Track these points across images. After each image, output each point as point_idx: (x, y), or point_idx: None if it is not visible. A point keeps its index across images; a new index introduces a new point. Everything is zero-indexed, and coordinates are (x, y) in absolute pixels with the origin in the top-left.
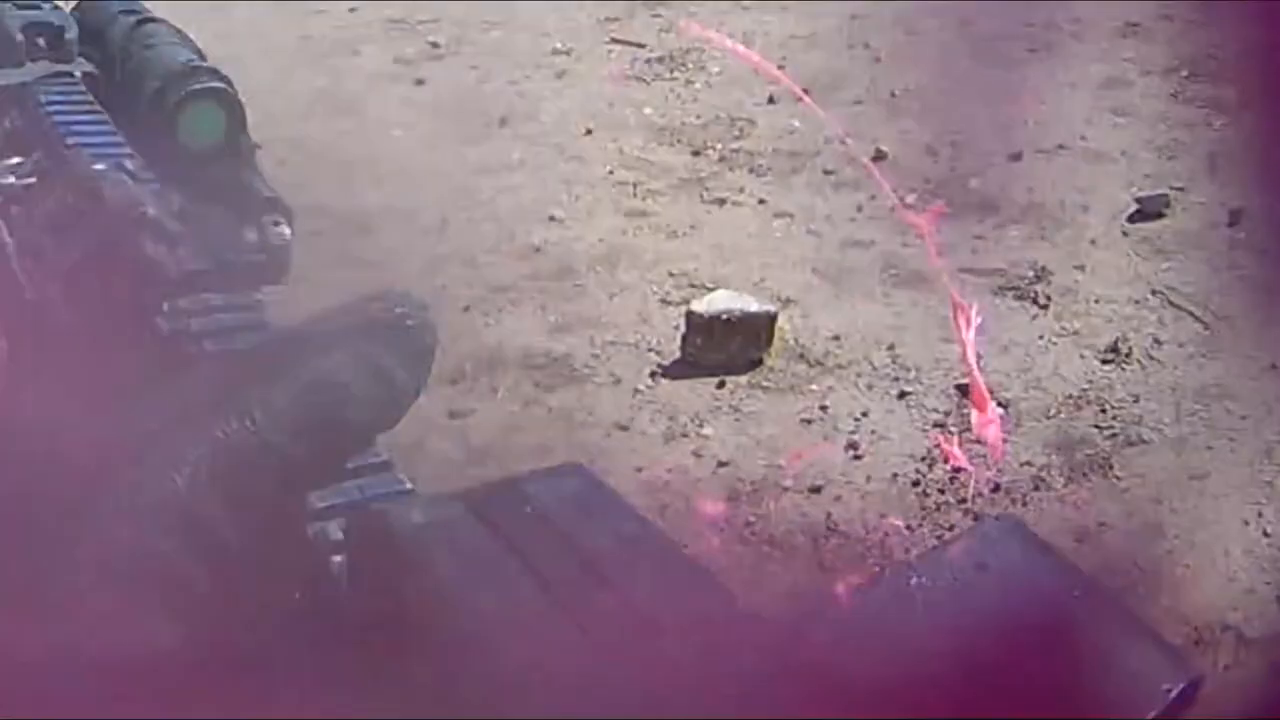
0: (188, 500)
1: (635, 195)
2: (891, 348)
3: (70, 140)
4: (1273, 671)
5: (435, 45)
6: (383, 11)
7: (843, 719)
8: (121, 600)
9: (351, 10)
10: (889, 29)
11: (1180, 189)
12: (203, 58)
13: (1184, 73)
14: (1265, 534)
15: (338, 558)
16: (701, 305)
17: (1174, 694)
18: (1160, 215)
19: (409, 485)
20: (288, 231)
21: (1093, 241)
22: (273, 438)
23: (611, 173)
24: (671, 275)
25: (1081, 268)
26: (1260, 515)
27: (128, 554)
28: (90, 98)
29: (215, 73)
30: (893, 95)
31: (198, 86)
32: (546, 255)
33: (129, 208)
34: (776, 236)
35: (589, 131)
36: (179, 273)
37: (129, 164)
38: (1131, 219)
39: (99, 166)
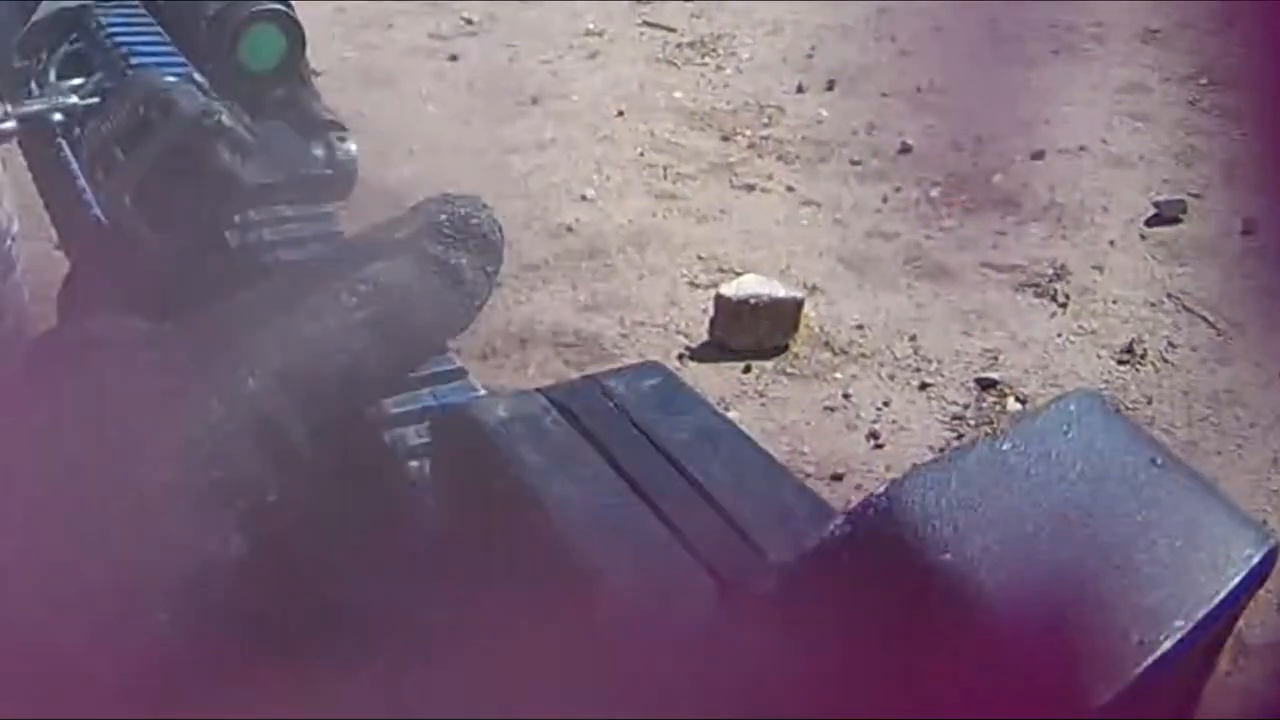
0: (259, 400)
1: (665, 178)
2: (914, 339)
3: (133, 60)
4: (1274, 678)
5: (469, 21)
6: None
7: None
8: (193, 507)
9: None
10: (916, 23)
11: (1197, 195)
12: None
13: (1202, 80)
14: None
15: (415, 463)
16: (730, 289)
17: (1255, 559)
18: (1177, 220)
19: (483, 392)
20: (354, 148)
21: (1111, 243)
22: (343, 339)
23: (642, 154)
24: (700, 259)
25: (1100, 268)
26: (1264, 523)
27: (200, 458)
28: (150, 19)
29: None
30: (918, 90)
31: (258, 9)
32: (577, 234)
33: (203, 116)
34: (803, 224)
35: (620, 113)
36: (253, 183)
37: (198, 77)
38: (1149, 223)
39: (170, 79)
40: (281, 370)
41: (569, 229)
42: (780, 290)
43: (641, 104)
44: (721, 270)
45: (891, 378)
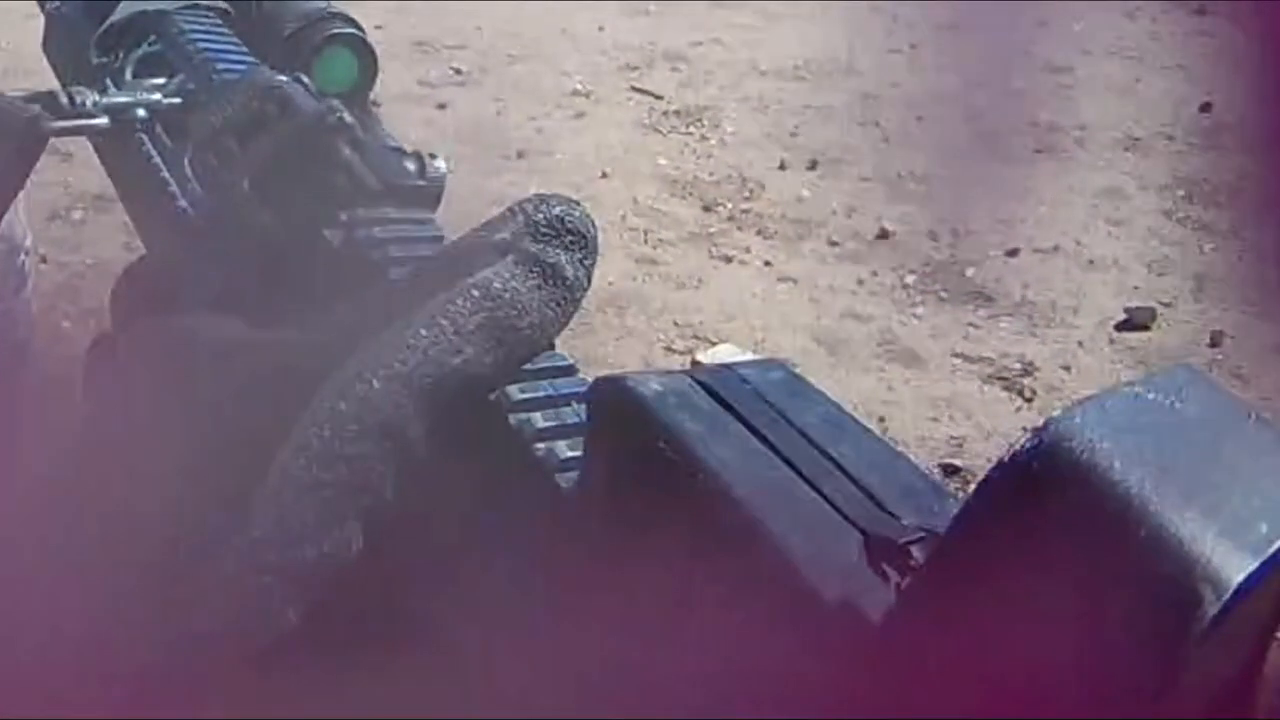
0: (382, 405)
1: (646, 243)
2: (882, 420)
3: (219, 66)
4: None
5: (458, 71)
6: (409, 32)
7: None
8: (316, 506)
9: (378, 28)
10: (900, 111)
11: (1167, 304)
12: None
13: (1180, 192)
14: None
15: (540, 445)
16: (706, 357)
17: None
18: (1146, 328)
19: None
20: (444, 165)
21: (1080, 344)
22: (459, 342)
23: (624, 218)
24: (677, 325)
25: (1068, 368)
26: None
27: (324, 458)
28: (227, 30)
29: (351, 20)
30: (899, 176)
31: (335, 31)
32: None
33: (327, 113)
34: (780, 299)
35: (604, 174)
36: (375, 182)
37: (305, 79)
38: (1119, 327)
39: (281, 77)
40: (402, 374)
41: None
42: (754, 361)
43: (625, 168)
44: (697, 338)
45: None
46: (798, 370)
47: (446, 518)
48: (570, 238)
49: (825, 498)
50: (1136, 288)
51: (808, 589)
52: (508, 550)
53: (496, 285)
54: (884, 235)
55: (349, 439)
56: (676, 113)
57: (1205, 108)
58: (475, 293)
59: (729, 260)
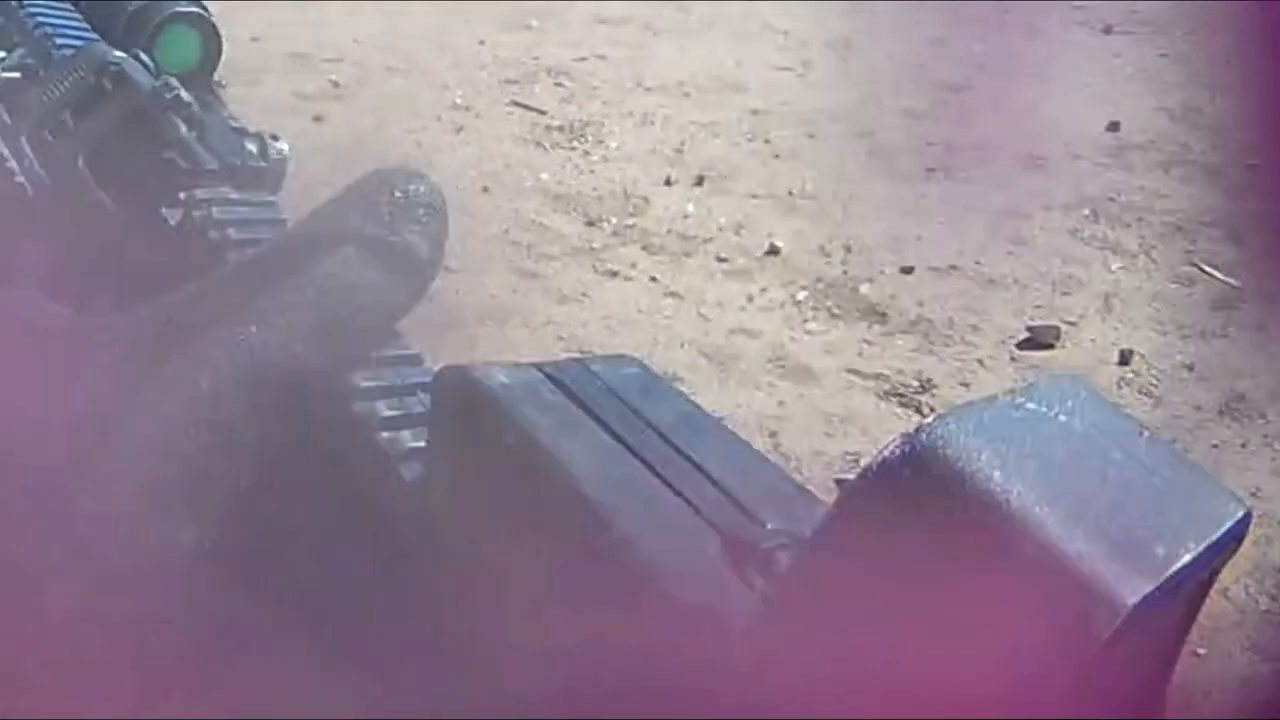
0: (212, 402)
1: (529, 257)
2: (774, 435)
3: (58, 41)
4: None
5: (336, 84)
6: (286, 44)
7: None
8: (146, 501)
9: (254, 40)
10: (790, 128)
11: (1072, 323)
12: None
13: (1085, 211)
14: None
15: (387, 434)
16: None
17: (1238, 518)
18: (1050, 346)
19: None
20: (285, 147)
21: (980, 362)
22: (293, 340)
23: (506, 232)
24: (561, 339)
25: (967, 385)
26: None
27: (154, 455)
28: (69, 7)
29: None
30: (789, 193)
31: (178, 10)
32: (437, 305)
33: (163, 89)
34: (666, 315)
35: (485, 189)
36: (211, 160)
37: (144, 57)
38: (1021, 345)
39: (119, 53)
40: (232, 374)
41: (429, 299)
42: None
43: (507, 182)
44: (582, 352)
45: None
46: (650, 367)
47: (290, 509)
48: (418, 212)
49: (682, 497)
50: (1039, 306)
51: (664, 590)
52: (352, 539)
53: (335, 279)
54: (773, 251)
55: (179, 437)
56: (559, 128)
57: (1113, 127)
58: (310, 290)
59: (614, 275)
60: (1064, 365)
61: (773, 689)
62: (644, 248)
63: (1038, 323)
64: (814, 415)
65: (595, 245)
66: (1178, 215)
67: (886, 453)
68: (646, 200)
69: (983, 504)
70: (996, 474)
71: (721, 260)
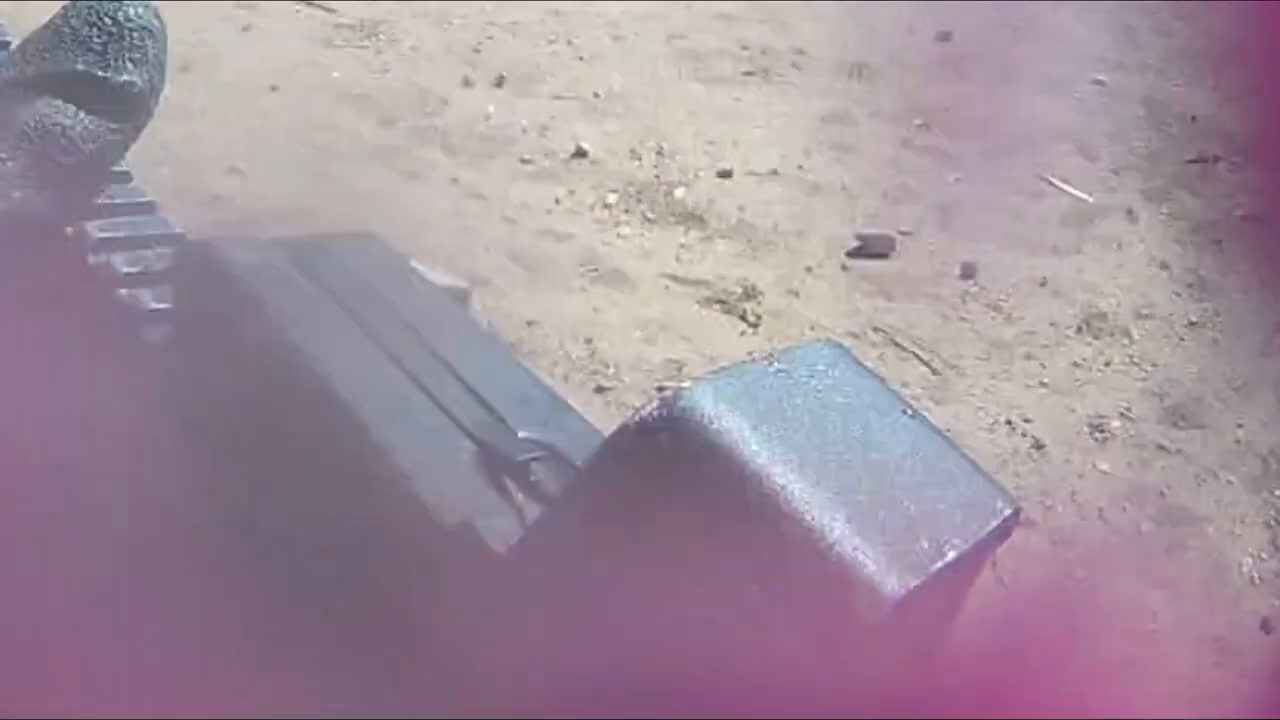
0: None
1: (322, 158)
2: (589, 342)
3: None
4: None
5: None
6: None
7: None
8: None
9: None
10: (594, 29)
11: (907, 233)
12: None
13: (916, 121)
14: (1001, 582)
15: (124, 291)
16: None
17: (1005, 514)
18: (884, 256)
19: (178, 229)
20: None
21: (809, 270)
22: (5, 186)
23: (297, 133)
24: None
25: (795, 294)
26: (994, 565)
27: None
28: None
29: None
30: (595, 95)
31: None
32: (229, 206)
33: None
34: (470, 217)
35: (275, 88)
36: None
37: None
38: (852, 254)
39: None
40: None
41: (218, 200)
42: (443, 278)
43: (297, 82)
44: None
45: (566, 379)
46: (391, 246)
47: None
48: (132, 39)
49: (436, 401)
50: (870, 215)
51: (422, 503)
52: (91, 400)
53: (42, 122)
54: (581, 154)
55: None
56: (350, 27)
57: (944, 37)
58: (10, 137)
59: (413, 177)
60: (901, 275)
61: (523, 616)
62: (444, 149)
63: (870, 232)
64: (631, 321)
65: (392, 146)
66: (1020, 128)
67: (643, 414)
68: (445, 101)
69: (738, 479)
70: (753, 448)
71: (526, 162)
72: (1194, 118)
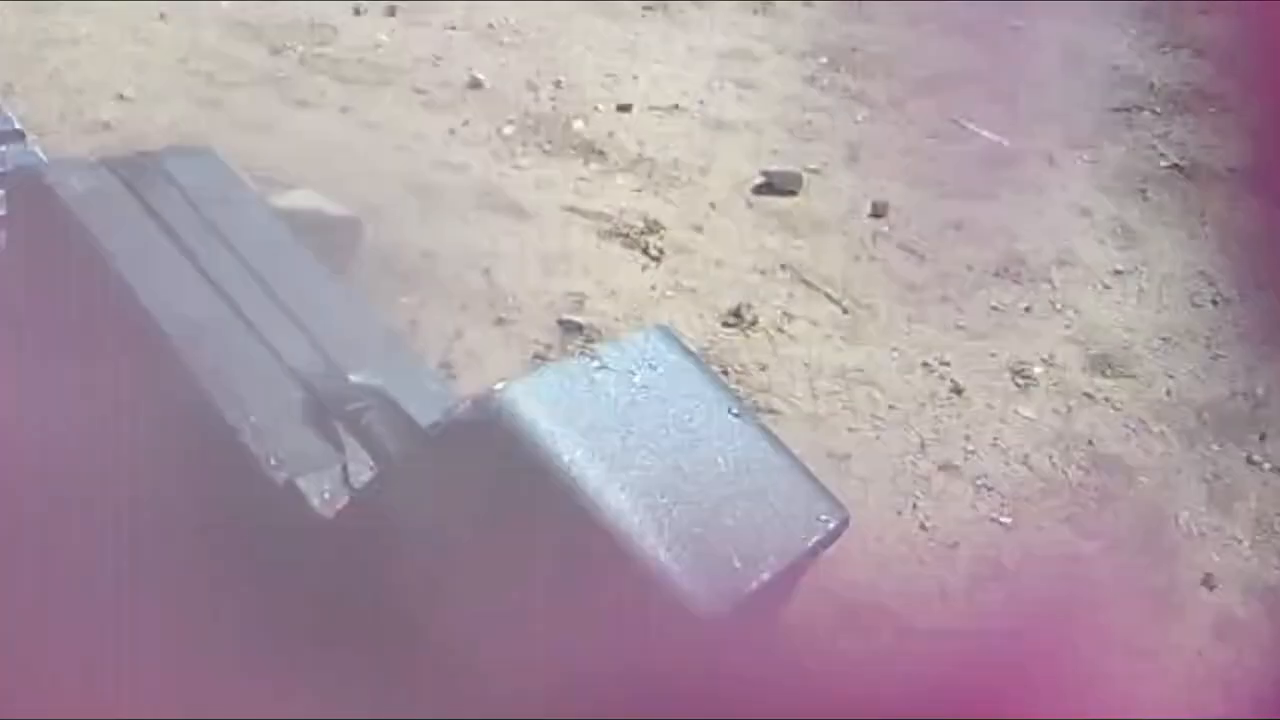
0: None
1: (211, 85)
2: (488, 273)
3: None
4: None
5: None
6: None
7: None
8: None
9: None
10: None
11: (815, 171)
12: None
13: (822, 59)
14: (922, 527)
15: None
16: (281, 200)
17: (831, 526)
18: (791, 193)
19: (43, 158)
20: None
21: (713, 205)
22: None
23: (185, 60)
24: (247, 169)
25: (699, 229)
26: (915, 507)
27: None
28: None
29: None
30: (490, 26)
31: None
32: (115, 133)
33: None
34: (362, 147)
35: (162, 16)
36: None
37: None
38: (758, 191)
39: None
40: None
41: (106, 126)
42: (335, 208)
43: (183, 9)
44: (272, 183)
45: (464, 309)
46: (228, 164)
47: None
48: None
49: (264, 341)
50: (775, 152)
51: (246, 451)
52: None
53: None
54: (475, 85)
55: None
56: None
57: None
58: None
59: (303, 105)
60: (808, 212)
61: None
62: (335, 78)
63: (776, 169)
64: (530, 253)
65: (282, 74)
66: (929, 69)
67: (459, 412)
68: (335, 30)
69: (550, 489)
70: (568, 457)
71: (420, 92)
72: (1116, 66)
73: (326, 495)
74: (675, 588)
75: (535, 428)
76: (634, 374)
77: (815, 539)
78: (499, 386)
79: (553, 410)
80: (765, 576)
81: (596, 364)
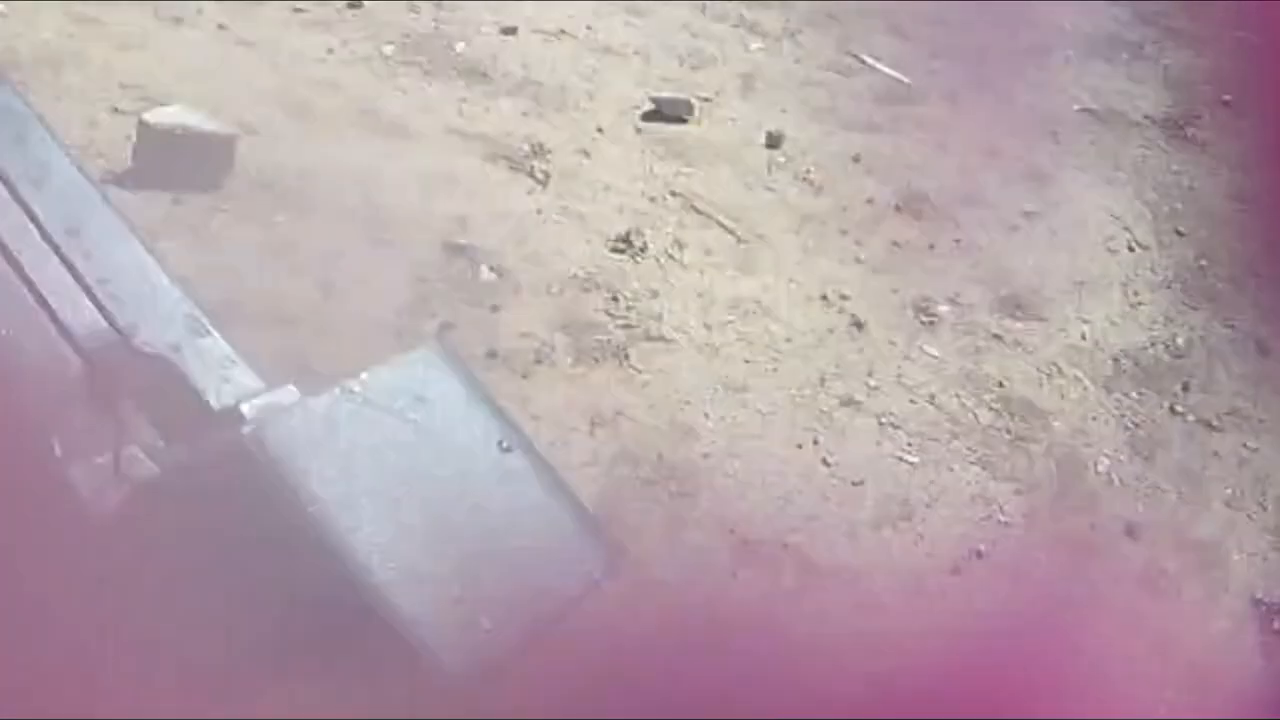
0: None
1: (86, 1)
2: (367, 194)
3: None
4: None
5: None
6: None
7: None
8: None
9: None
10: None
11: (707, 99)
12: None
13: None
14: (824, 463)
15: None
16: (155, 117)
17: (598, 574)
18: (681, 120)
19: None
20: None
21: (600, 130)
22: None
23: None
24: (122, 86)
25: (586, 154)
26: (816, 443)
27: None
28: None
29: None
30: None
31: None
32: None
33: None
34: (238, 64)
35: None
36: None
37: None
38: (647, 117)
39: None
40: None
41: None
42: (210, 124)
43: None
44: (146, 99)
45: (343, 229)
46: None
47: None
48: None
49: (49, 309)
50: (665, 79)
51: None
52: None
53: None
54: (355, 4)
55: None
56: None
57: None
58: None
59: (178, 21)
60: (700, 140)
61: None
62: None
63: (665, 95)
64: (412, 174)
65: None
66: (826, 2)
67: (218, 446)
68: None
69: (305, 537)
70: (321, 497)
71: (298, 11)
72: (1026, 6)
73: (94, 481)
74: (418, 645)
75: (288, 468)
76: (399, 407)
77: (580, 591)
78: (254, 422)
79: (309, 450)
80: (515, 639)
81: (360, 398)
